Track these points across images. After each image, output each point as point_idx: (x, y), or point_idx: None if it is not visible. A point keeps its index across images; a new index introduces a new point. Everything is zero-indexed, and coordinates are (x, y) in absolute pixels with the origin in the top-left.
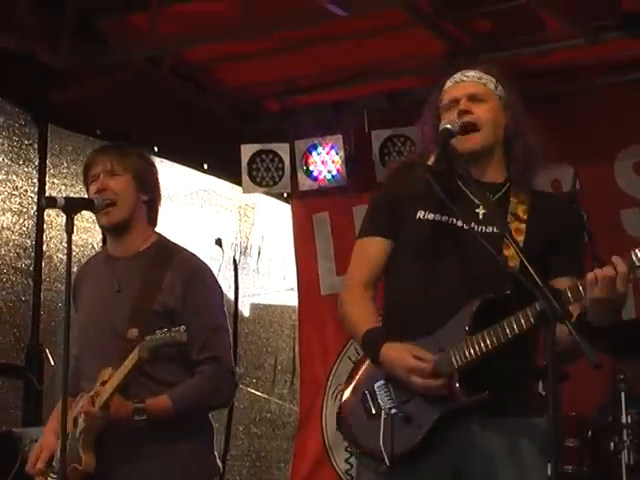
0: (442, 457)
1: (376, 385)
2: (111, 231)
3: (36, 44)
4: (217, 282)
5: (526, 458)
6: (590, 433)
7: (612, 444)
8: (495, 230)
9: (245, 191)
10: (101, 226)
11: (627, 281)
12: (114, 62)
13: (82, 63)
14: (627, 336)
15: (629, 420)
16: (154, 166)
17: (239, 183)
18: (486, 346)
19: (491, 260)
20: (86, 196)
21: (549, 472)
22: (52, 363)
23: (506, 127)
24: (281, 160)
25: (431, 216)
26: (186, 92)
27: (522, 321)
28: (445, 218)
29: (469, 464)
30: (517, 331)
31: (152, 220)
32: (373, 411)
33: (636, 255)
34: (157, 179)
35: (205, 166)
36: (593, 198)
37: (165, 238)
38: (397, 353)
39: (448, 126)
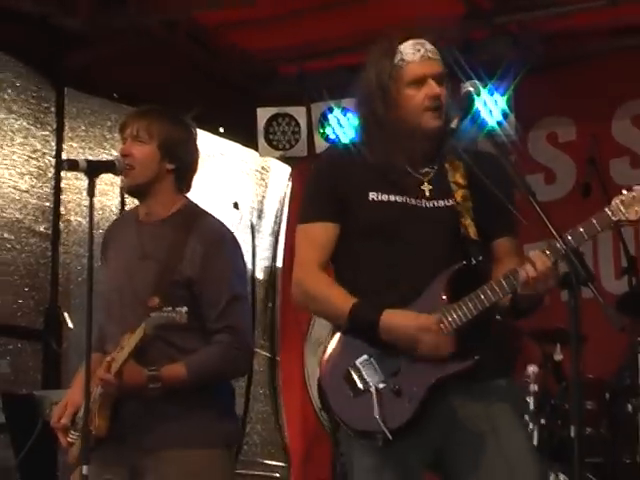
0: (430, 430)
1: (358, 361)
2: (131, 193)
3: (52, 7)
4: (239, 250)
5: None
6: (608, 395)
7: (630, 405)
8: (447, 203)
9: (262, 154)
10: (122, 188)
11: (551, 275)
12: (130, 25)
13: (98, 26)
14: None
15: None
16: (190, 134)
17: (255, 147)
18: (479, 306)
19: (450, 231)
20: (104, 158)
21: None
22: (70, 326)
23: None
24: (297, 123)
25: (385, 197)
26: (202, 56)
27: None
28: (399, 198)
29: (453, 438)
30: (507, 291)
31: (181, 188)
32: (361, 387)
33: (611, 211)
34: (191, 148)
35: (221, 130)
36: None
37: (192, 203)
38: (404, 315)
39: (470, 88)
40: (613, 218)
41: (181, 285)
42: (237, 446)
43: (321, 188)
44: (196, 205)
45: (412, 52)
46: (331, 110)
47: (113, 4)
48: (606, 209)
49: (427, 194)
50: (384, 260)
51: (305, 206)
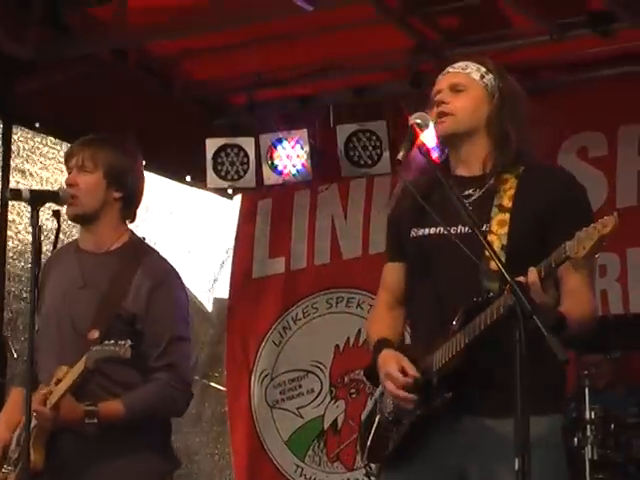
0: (436, 458)
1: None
2: (76, 221)
3: (2, 36)
4: (184, 289)
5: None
6: None
7: (576, 439)
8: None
9: (210, 185)
10: (67, 216)
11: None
12: (79, 54)
13: (48, 55)
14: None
15: (593, 416)
16: (136, 161)
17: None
18: (461, 343)
19: (474, 262)
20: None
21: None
22: (15, 356)
23: (490, 115)
24: (246, 154)
25: (421, 231)
26: (152, 86)
27: (492, 314)
28: (433, 230)
29: (469, 466)
30: (488, 322)
31: (127, 216)
32: (375, 418)
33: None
34: (137, 175)
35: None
36: None
37: (137, 237)
38: (385, 358)
39: (417, 121)
40: (563, 254)
41: (124, 320)
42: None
43: (389, 226)
44: (142, 240)
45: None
46: (280, 141)
47: (63, 33)
48: (563, 244)
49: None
50: (420, 295)
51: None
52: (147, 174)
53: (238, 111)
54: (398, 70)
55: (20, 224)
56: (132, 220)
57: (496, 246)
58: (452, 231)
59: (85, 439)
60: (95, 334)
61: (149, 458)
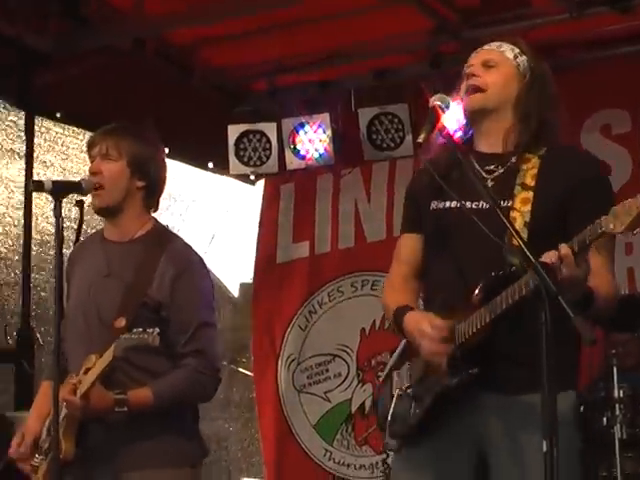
0: (459, 434)
1: (402, 367)
2: (101, 214)
3: (22, 28)
4: (209, 275)
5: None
6: (582, 408)
7: (605, 419)
8: (503, 204)
9: (232, 171)
10: (93, 208)
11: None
12: (99, 45)
13: (67, 46)
14: (619, 311)
15: (621, 394)
16: (158, 150)
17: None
18: (482, 321)
19: (501, 236)
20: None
21: (544, 448)
22: (41, 343)
23: (519, 94)
24: (268, 140)
25: (442, 204)
26: (171, 74)
27: (515, 293)
28: (454, 203)
29: (488, 451)
30: (513, 300)
31: (150, 205)
32: (393, 392)
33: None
34: (160, 164)
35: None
36: None
37: (161, 225)
38: (415, 318)
39: (437, 102)
40: (599, 230)
41: (150, 308)
42: (200, 466)
43: (406, 198)
44: (165, 227)
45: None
46: (302, 125)
47: (82, 24)
48: (597, 220)
49: (490, 190)
50: (438, 268)
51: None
52: (170, 162)
53: (259, 97)
54: (418, 52)
55: (42, 214)
56: (155, 209)
57: (519, 223)
58: (474, 206)
59: (114, 427)
60: (122, 322)
61: (178, 443)
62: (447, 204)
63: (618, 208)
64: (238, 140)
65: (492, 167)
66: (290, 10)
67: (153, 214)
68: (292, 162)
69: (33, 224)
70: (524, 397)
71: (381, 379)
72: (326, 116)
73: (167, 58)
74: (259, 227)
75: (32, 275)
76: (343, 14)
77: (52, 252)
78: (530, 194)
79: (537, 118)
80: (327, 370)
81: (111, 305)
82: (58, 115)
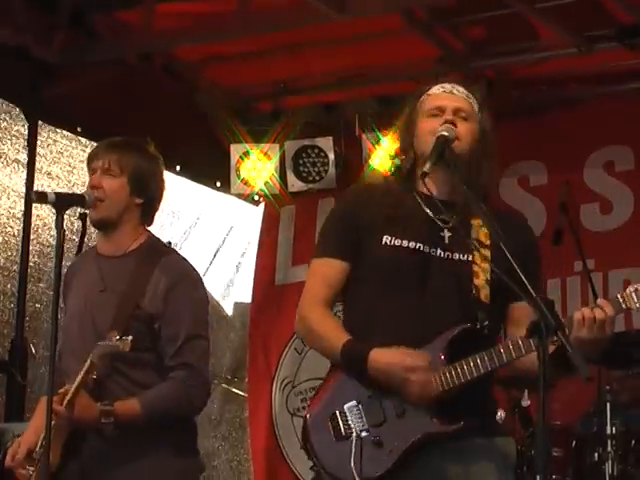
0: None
1: (346, 406)
2: (98, 227)
3: (30, 39)
4: (202, 288)
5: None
6: (574, 443)
7: (596, 454)
8: (462, 257)
9: (233, 191)
10: (90, 221)
11: (613, 324)
12: (106, 58)
13: (75, 58)
14: (614, 348)
15: (614, 431)
16: (158, 166)
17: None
18: (476, 371)
19: (460, 289)
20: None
21: None
22: (36, 357)
23: (477, 150)
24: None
25: (398, 242)
26: (177, 91)
27: (517, 348)
28: (412, 244)
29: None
30: (512, 357)
31: (145, 221)
32: (343, 432)
33: (623, 298)
34: (159, 181)
35: (177, 168)
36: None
37: (155, 238)
38: (392, 355)
39: (445, 133)
40: (623, 306)
41: (141, 320)
42: None
43: (338, 225)
44: (158, 240)
45: (438, 88)
46: (304, 149)
47: (90, 37)
48: (618, 295)
49: (446, 241)
50: (390, 306)
51: (320, 241)
52: (176, 178)
53: (263, 117)
54: (424, 80)
55: (44, 225)
56: (150, 223)
57: (482, 279)
58: (437, 253)
59: (106, 440)
60: (114, 334)
61: (176, 461)
62: (403, 243)
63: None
64: (239, 160)
65: (446, 217)
66: (297, 32)
67: (154, 228)
68: (294, 184)
69: (34, 235)
70: (477, 440)
71: (307, 414)
72: (329, 140)
73: (174, 74)
74: (258, 248)
75: (29, 286)
76: (352, 38)
77: (51, 264)
78: (487, 252)
79: (484, 175)
80: None
81: (105, 319)
82: (63, 127)
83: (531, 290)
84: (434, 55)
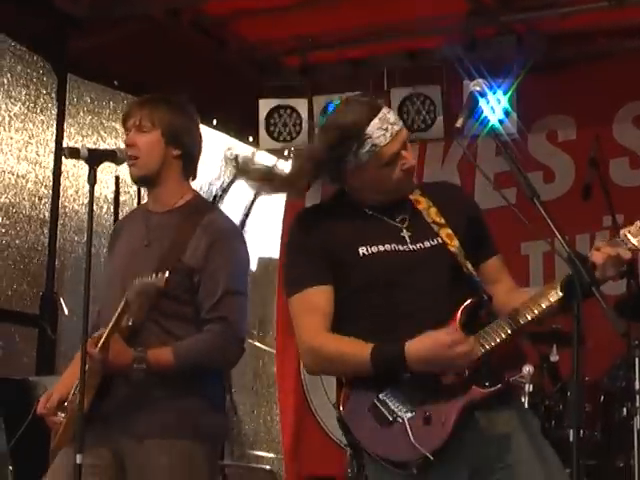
0: (463, 453)
1: (381, 395)
2: (139, 184)
3: None
4: (243, 245)
5: (537, 436)
6: (603, 398)
7: (625, 409)
8: (433, 242)
9: (262, 146)
10: (131, 179)
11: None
12: (134, 13)
13: (102, 13)
14: None
15: None
16: (192, 119)
17: (253, 138)
18: (500, 336)
19: (449, 270)
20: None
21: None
22: (66, 312)
23: None
24: (299, 115)
25: (375, 249)
26: (205, 46)
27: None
28: (388, 247)
29: (487, 459)
30: (551, 304)
31: (188, 174)
32: (389, 417)
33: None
34: (194, 133)
35: (214, 122)
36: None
37: (201, 196)
38: (427, 340)
39: (477, 88)
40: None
41: (182, 273)
42: (223, 441)
43: (306, 256)
44: (204, 199)
45: (382, 134)
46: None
47: None
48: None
49: (407, 240)
50: (384, 310)
51: (292, 277)
52: (214, 133)
53: (291, 73)
54: (453, 34)
55: (71, 178)
56: (194, 177)
57: (461, 257)
58: (411, 248)
59: (134, 386)
60: (164, 283)
61: (205, 416)
62: (380, 248)
63: (632, 229)
64: (269, 115)
65: (401, 217)
66: None
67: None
68: None
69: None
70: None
71: (344, 407)
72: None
73: (202, 29)
74: (285, 205)
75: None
76: None
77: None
78: (449, 230)
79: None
80: None
81: (147, 271)
82: (90, 81)
83: (562, 241)
84: (463, 9)
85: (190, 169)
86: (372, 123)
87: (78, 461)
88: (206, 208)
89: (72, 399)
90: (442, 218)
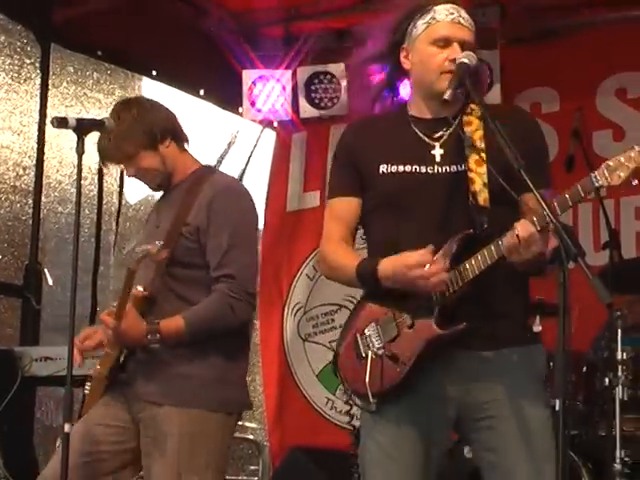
0: (436, 390)
1: (366, 329)
2: (162, 189)
3: None
4: (247, 201)
5: (524, 387)
6: (585, 368)
7: (607, 379)
8: (459, 168)
9: (245, 116)
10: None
11: (534, 242)
12: None
13: None
14: (627, 273)
15: (624, 356)
16: (157, 109)
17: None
18: (477, 268)
19: (460, 200)
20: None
21: (555, 406)
22: (50, 282)
23: None
24: (283, 87)
25: (394, 168)
26: (188, 15)
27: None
28: (408, 167)
29: (468, 398)
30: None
31: (182, 143)
32: (362, 353)
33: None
34: (153, 115)
35: (201, 92)
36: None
37: (204, 166)
38: (396, 259)
39: (465, 60)
40: (596, 183)
41: (190, 237)
42: (239, 412)
43: (341, 163)
44: (208, 167)
45: (445, 14)
46: (316, 75)
47: None
48: (591, 174)
49: (438, 159)
50: (391, 231)
51: (330, 182)
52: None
53: (274, 43)
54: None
55: (55, 149)
56: (187, 141)
57: (478, 184)
58: (429, 171)
59: (157, 355)
60: (164, 254)
61: (219, 388)
62: (399, 168)
63: (611, 162)
64: (251, 85)
65: (440, 133)
66: None
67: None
68: (306, 111)
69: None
70: (504, 351)
71: (340, 336)
72: (341, 66)
73: None
74: (270, 175)
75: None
76: None
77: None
78: (482, 155)
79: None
80: (333, 320)
81: (159, 240)
82: (74, 50)
83: (547, 211)
84: None
85: (180, 139)
86: (443, 5)
87: (66, 430)
88: (212, 172)
89: (96, 370)
90: (482, 143)
